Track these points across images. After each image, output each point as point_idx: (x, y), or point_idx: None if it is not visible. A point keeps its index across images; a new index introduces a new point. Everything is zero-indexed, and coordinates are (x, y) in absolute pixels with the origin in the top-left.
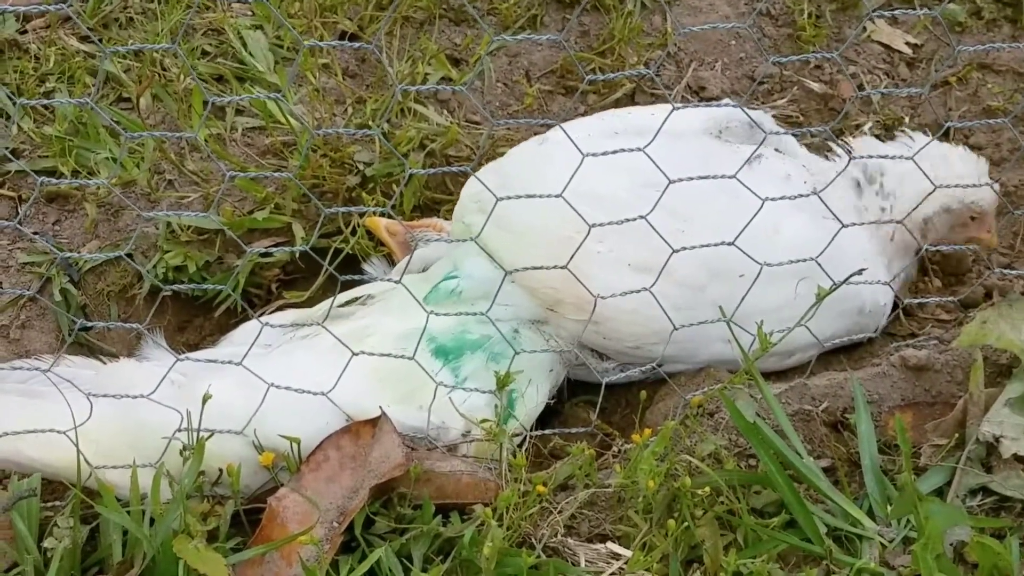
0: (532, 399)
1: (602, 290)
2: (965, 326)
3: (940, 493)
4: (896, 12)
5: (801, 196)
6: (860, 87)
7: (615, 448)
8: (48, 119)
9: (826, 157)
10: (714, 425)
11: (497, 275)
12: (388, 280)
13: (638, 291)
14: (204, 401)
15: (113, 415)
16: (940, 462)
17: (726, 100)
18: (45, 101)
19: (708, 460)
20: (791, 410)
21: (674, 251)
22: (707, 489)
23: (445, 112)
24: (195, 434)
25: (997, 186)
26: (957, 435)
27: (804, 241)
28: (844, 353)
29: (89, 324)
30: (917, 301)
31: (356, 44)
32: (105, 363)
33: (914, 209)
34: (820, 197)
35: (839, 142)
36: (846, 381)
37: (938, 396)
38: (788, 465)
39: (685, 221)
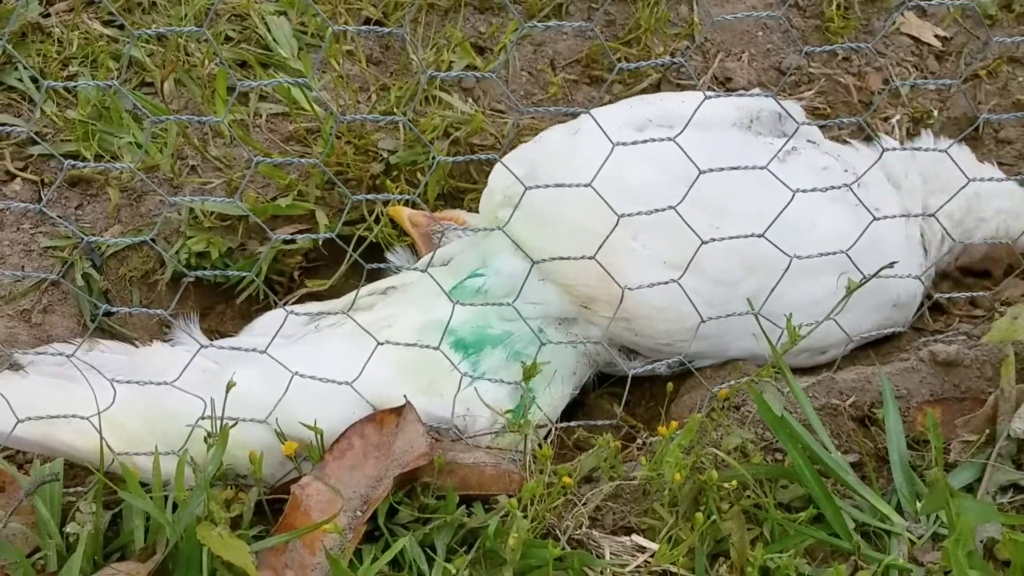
0: (556, 392)
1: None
2: (996, 321)
3: (970, 489)
4: (925, 4)
5: (839, 187)
6: (887, 80)
7: (640, 440)
8: (71, 103)
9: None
10: (740, 418)
11: (525, 272)
12: (414, 269)
13: (666, 283)
14: (228, 389)
15: (140, 401)
16: (970, 458)
17: (755, 90)
18: (70, 84)
19: (734, 454)
20: (818, 404)
21: (703, 242)
22: (734, 483)
23: (470, 100)
24: (219, 422)
25: None
26: (987, 431)
27: (843, 234)
28: (872, 347)
29: (113, 309)
30: (948, 296)
31: (383, 30)
32: (138, 347)
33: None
34: (853, 190)
35: (876, 134)
36: (874, 376)
37: (967, 392)
38: (815, 459)
39: (720, 215)
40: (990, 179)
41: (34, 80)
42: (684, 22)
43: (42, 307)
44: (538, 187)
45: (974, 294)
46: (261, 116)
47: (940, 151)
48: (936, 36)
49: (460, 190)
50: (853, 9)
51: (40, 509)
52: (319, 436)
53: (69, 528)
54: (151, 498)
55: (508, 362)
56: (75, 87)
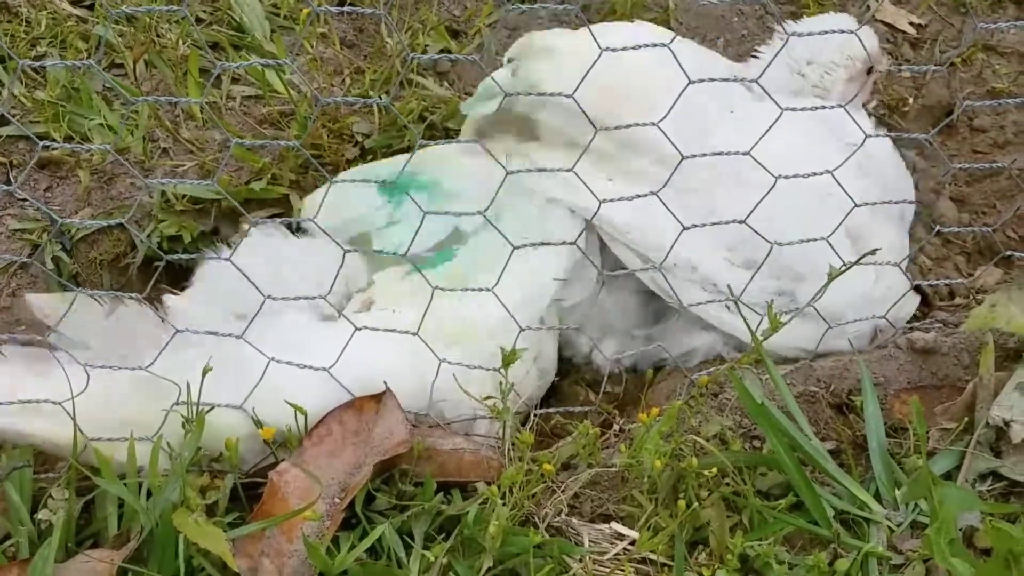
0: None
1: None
2: (974, 309)
3: (949, 477)
4: None
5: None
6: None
7: (617, 427)
8: (40, 84)
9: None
10: (719, 406)
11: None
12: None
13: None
14: (204, 374)
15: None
16: (949, 446)
17: None
18: (43, 63)
19: (714, 440)
20: (796, 391)
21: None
22: (713, 470)
23: (445, 84)
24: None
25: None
26: (966, 419)
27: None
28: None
29: (86, 292)
30: (929, 283)
31: (362, 10)
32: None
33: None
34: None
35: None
36: (851, 363)
37: (945, 379)
38: (795, 447)
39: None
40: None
41: (1, 60)
42: (659, 7)
43: (11, 290)
44: (519, 94)
45: (951, 281)
46: (234, 99)
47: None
48: (911, 23)
49: None
50: None
51: (11, 495)
52: (302, 418)
53: (41, 515)
54: (125, 484)
55: (430, 205)
56: (45, 67)
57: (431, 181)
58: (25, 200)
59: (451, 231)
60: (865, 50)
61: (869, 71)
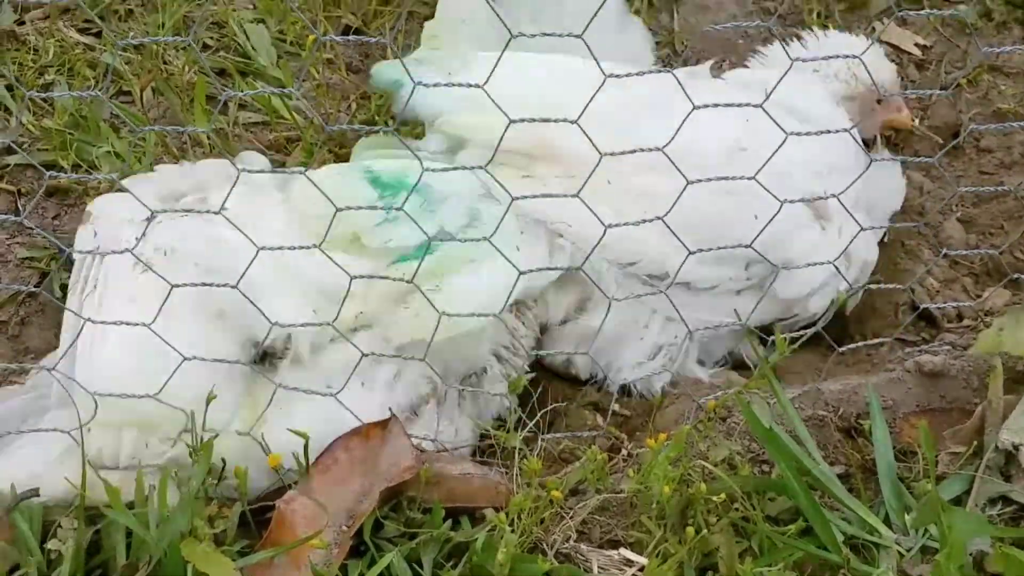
0: (497, 271)
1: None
2: (982, 332)
3: (958, 502)
4: (906, 13)
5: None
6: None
7: (625, 452)
8: (48, 112)
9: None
10: (727, 430)
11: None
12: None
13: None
14: (208, 402)
15: None
16: (958, 470)
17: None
18: (52, 94)
19: (722, 466)
20: (805, 415)
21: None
22: (722, 495)
23: None
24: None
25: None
26: (975, 443)
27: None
28: (854, 356)
29: (94, 320)
30: (936, 306)
31: (368, 39)
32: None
33: None
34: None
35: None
36: (860, 387)
37: (953, 403)
38: (804, 471)
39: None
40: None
41: (9, 89)
42: (665, 30)
43: (19, 319)
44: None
45: (959, 304)
46: (241, 125)
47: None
48: (916, 45)
49: None
50: (834, 17)
51: (20, 525)
52: (305, 443)
53: (50, 544)
54: (134, 514)
55: (423, 208)
56: (53, 96)
57: (423, 185)
58: (33, 228)
59: (438, 230)
60: (871, 78)
61: (879, 102)
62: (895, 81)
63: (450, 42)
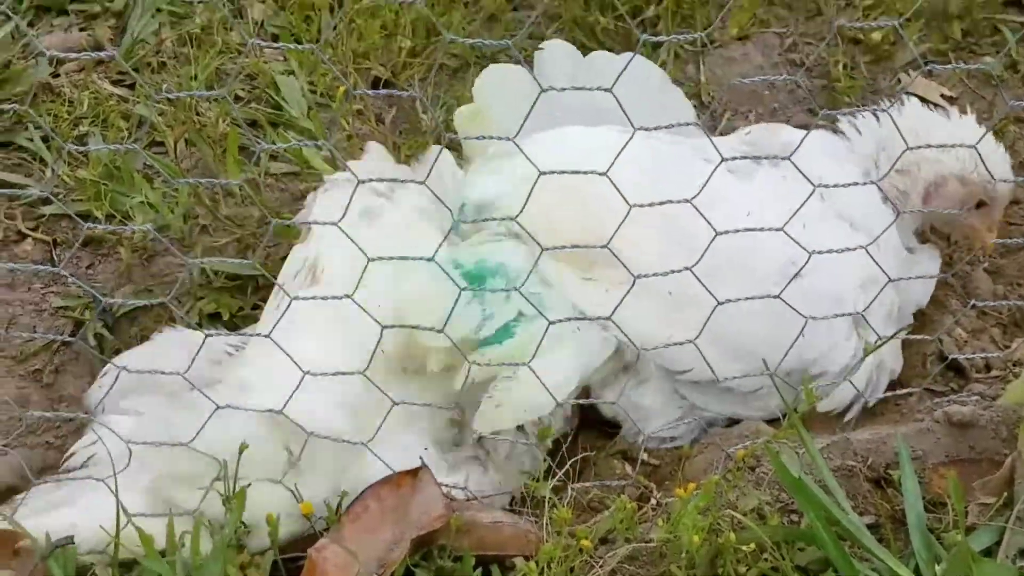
0: (563, 356)
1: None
2: (1011, 383)
3: (988, 553)
4: (932, 67)
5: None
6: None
7: (654, 500)
8: (82, 163)
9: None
10: (756, 480)
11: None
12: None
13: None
14: (241, 451)
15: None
16: (988, 521)
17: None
18: (88, 148)
19: (751, 515)
20: (834, 465)
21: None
22: (751, 545)
23: None
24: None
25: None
26: (1005, 494)
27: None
28: (884, 405)
29: (129, 370)
30: (965, 357)
31: (398, 92)
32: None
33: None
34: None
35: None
36: (889, 436)
37: (983, 453)
38: (833, 521)
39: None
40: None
41: (45, 140)
42: (692, 81)
43: (53, 367)
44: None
45: (988, 355)
46: (273, 175)
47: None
48: (943, 96)
49: None
50: (859, 69)
51: (55, 573)
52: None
53: None
54: (167, 562)
55: (506, 297)
56: (91, 150)
57: (498, 264)
58: (68, 277)
59: (517, 314)
60: (988, 173)
61: (979, 204)
62: (1007, 199)
63: (494, 112)
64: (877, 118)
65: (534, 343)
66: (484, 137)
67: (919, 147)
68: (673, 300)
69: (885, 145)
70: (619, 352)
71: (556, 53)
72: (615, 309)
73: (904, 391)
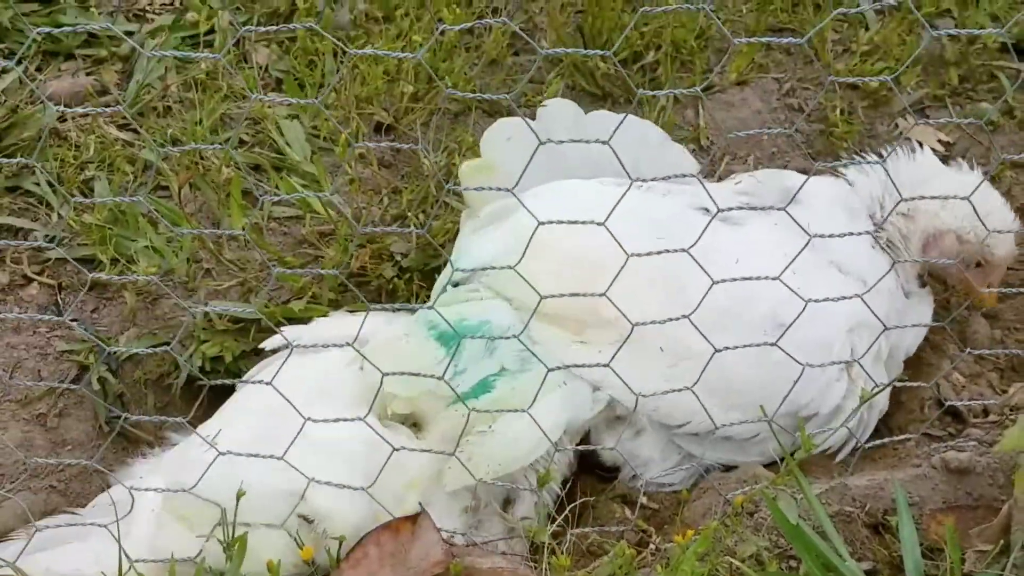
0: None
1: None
2: (1007, 429)
3: None
4: (929, 117)
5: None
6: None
7: (653, 546)
8: (88, 207)
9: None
10: (754, 525)
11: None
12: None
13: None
14: (238, 498)
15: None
16: (985, 568)
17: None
18: (94, 201)
19: (750, 561)
20: (832, 511)
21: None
22: None
23: None
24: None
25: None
26: (1002, 541)
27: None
28: (880, 452)
29: (131, 416)
30: (963, 402)
31: (400, 145)
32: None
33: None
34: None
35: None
36: (886, 482)
37: (980, 499)
38: (831, 568)
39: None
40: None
41: (51, 185)
42: (691, 126)
43: (57, 411)
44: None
45: (985, 401)
46: (276, 219)
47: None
48: (939, 141)
49: None
50: (857, 114)
51: None
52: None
53: None
54: None
55: (486, 352)
56: (97, 202)
57: (481, 322)
58: (72, 320)
59: (499, 369)
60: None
61: (977, 264)
62: (1007, 261)
63: (500, 166)
64: (883, 162)
65: (516, 397)
66: (484, 188)
67: (914, 198)
68: (667, 356)
69: (890, 190)
70: (610, 405)
71: (559, 110)
72: (612, 357)
73: (902, 436)
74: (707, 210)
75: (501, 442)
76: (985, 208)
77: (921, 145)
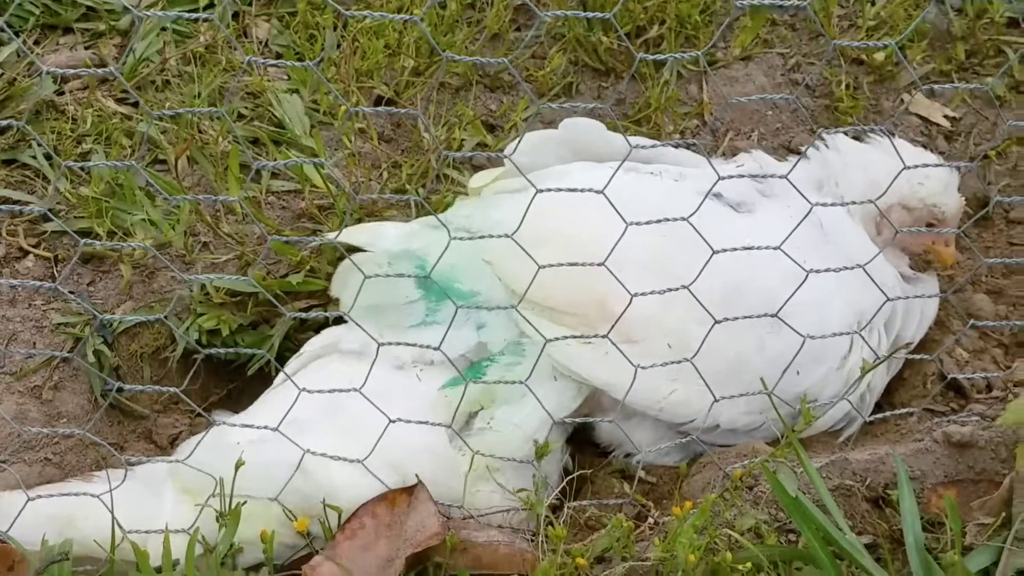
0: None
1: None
2: (1010, 403)
3: (986, 573)
4: (934, 86)
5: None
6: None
7: (651, 520)
8: (84, 180)
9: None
10: (754, 499)
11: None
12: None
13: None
14: (237, 468)
15: None
16: (986, 541)
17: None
18: (88, 164)
19: (748, 534)
20: (832, 485)
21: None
22: (748, 564)
23: None
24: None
25: (962, 199)
26: (1003, 514)
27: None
28: (883, 426)
29: (125, 387)
30: (965, 376)
31: (399, 111)
32: None
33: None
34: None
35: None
36: (887, 456)
37: (982, 473)
38: (830, 541)
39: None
40: None
41: (48, 157)
42: (694, 101)
43: (53, 383)
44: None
45: (988, 375)
46: (274, 193)
47: None
48: (945, 116)
49: None
50: (862, 89)
51: None
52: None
53: None
54: None
55: (469, 318)
56: (90, 166)
57: (472, 291)
58: (70, 292)
59: (475, 344)
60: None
61: (930, 225)
62: (958, 213)
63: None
64: (818, 148)
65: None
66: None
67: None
68: (673, 352)
69: (831, 173)
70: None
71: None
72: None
73: (903, 411)
74: (719, 196)
75: (503, 434)
76: (923, 170)
77: (835, 132)
